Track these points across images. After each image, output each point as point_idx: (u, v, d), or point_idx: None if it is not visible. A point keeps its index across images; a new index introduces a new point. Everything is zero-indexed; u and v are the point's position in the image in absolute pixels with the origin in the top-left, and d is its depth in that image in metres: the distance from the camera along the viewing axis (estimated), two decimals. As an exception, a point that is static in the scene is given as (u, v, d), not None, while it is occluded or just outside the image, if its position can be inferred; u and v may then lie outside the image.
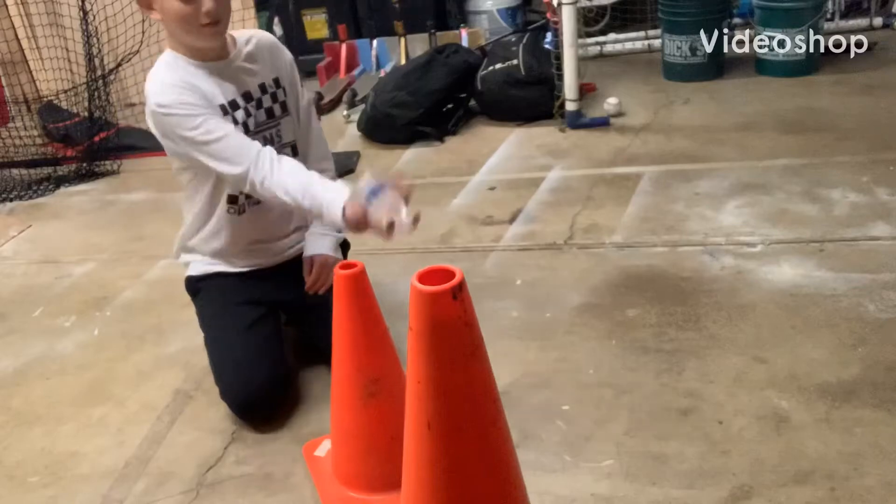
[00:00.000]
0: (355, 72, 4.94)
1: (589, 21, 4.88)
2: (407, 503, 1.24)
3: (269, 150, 1.89)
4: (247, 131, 2.00)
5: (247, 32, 2.08)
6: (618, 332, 2.18)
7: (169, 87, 1.89)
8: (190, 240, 2.16)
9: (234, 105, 1.99)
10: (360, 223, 1.71)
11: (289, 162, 1.90)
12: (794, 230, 2.62)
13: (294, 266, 2.18)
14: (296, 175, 1.85)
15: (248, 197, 2.07)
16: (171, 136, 1.92)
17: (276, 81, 2.07)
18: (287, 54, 2.13)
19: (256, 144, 1.89)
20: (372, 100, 3.97)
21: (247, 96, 2.01)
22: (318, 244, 2.15)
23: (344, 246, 2.31)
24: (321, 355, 2.07)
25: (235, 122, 1.98)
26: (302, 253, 2.18)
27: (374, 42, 5.01)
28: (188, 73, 1.94)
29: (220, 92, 1.97)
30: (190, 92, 1.89)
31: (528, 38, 4.04)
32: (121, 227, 3.41)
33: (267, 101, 2.05)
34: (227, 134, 1.88)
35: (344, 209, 1.73)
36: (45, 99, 4.55)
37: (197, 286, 2.18)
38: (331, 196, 1.77)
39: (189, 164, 2.00)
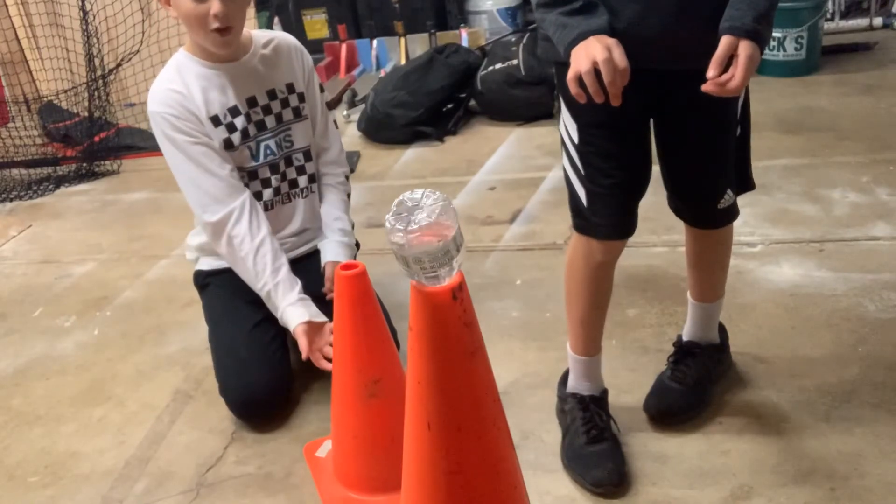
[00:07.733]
0: (355, 72, 4.94)
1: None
2: None
3: (253, 206, 1.99)
4: (245, 137, 2.01)
5: (269, 34, 2.10)
6: (618, 332, 2.18)
7: (169, 92, 1.96)
8: (203, 239, 2.15)
9: (234, 111, 2.00)
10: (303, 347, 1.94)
11: (266, 232, 2.00)
12: (794, 230, 2.62)
13: (297, 264, 2.19)
14: (266, 254, 1.98)
15: (276, 193, 2.10)
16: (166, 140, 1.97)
17: (290, 87, 2.08)
18: (307, 60, 2.14)
19: (244, 192, 1.99)
20: (372, 100, 3.97)
21: (251, 101, 2.03)
22: (334, 251, 2.15)
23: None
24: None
25: (234, 128, 1.99)
26: (307, 253, 2.19)
27: (374, 42, 5.01)
28: (195, 75, 1.97)
29: (221, 97, 1.98)
30: (187, 112, 1.95)
31: (528, 38, 4.04)
32: (121, 227, 3.40)
33: (276, 107, 2.06)
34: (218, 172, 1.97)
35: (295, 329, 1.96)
36: (45, 99, 4.55)
37: (206, 281, 2.18)
38: (289, 313, 1.97)
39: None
